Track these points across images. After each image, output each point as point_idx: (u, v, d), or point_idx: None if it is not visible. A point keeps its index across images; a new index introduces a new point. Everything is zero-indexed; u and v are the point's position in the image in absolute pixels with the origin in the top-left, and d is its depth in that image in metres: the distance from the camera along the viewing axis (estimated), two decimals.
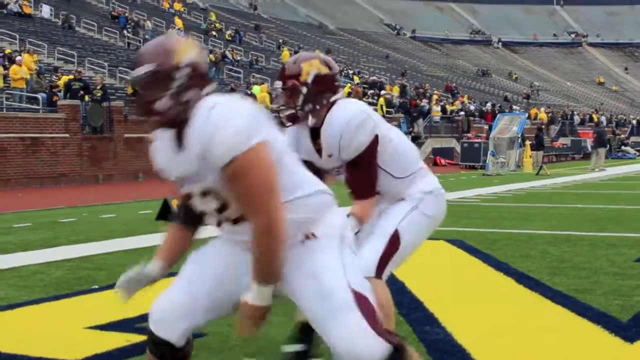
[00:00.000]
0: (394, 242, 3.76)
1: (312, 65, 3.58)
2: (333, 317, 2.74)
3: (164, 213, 13.03)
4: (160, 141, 2.94)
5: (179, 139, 2.81)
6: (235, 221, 2.87)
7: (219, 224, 2.97)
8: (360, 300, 2.78)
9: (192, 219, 3.07)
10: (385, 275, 3.79)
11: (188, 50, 2.79)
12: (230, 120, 2.65)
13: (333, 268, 2.82)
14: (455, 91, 57.30)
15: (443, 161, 34.83)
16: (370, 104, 39.27)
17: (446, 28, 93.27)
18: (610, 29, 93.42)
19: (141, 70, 2.73)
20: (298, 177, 2.91)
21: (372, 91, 43.83)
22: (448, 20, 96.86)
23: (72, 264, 8.22)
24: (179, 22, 49.45)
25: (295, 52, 52.64)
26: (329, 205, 2.98)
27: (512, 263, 7.77)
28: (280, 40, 58.10)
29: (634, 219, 12.21)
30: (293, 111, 3.59)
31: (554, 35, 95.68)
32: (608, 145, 35.51)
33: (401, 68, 64.89)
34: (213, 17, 58.50)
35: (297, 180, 2.89)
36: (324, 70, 3.60)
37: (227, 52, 44.58)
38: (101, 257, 8.68)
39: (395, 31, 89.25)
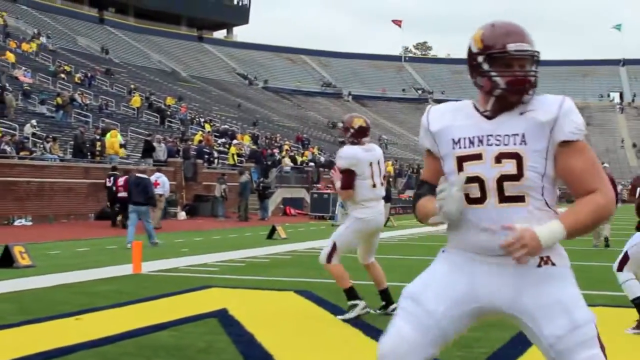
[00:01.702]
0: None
1: None
2: (580, 349, 2.88)
3: (5, 260, 12.54)
4: (456, 112, 3.14)
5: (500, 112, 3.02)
6: (506, 199, 2.94)
7: (479, 200, 2.98)
8: (598, 335, 2.93)
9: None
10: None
11: None
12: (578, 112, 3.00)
13: (580, 301, 2.95)
14: (306, 142, 58.01)
15: (293, 211, 35.07)
16: (221, 152, 39.32)
17: (298, 79, 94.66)
18: (455, 86, 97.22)
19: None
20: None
21: (223, 140, 43.87)
22: (300, 71, 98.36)
23: None
24: (10, 56, 47.64)
25: (147, 98, 52.13)
26: None
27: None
28: (132, 86, 57.33)
29: None
30: None
31: (402, 90, 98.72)
32: None
33: (253, 117, 65.23)
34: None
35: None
36: None
37: (76, 95, 43.59)
38: None
39: (248, 81, 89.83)
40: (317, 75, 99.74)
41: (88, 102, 44.22)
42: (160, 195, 23.01)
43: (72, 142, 31.31)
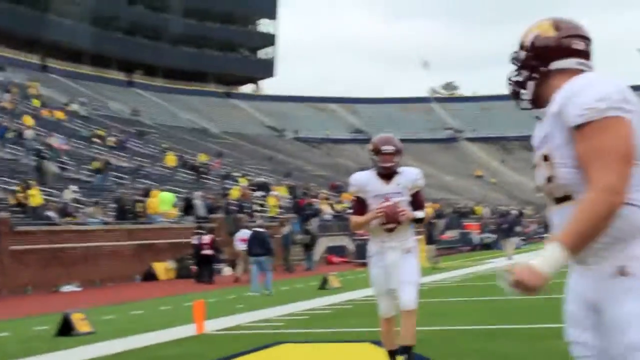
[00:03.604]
0: None
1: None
2: None
3: (65, 328, 12.27)
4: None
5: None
6: (559, 201, 2.77)
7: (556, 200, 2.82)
8: None
9: None
10: None
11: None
12: (595, 86, 2.67)
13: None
14: (341, 189, 57.71)
15: (336, 259, 34.69)
16: (260, 205, 39.14)
17: (327, 128, 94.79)
18: (484, 123, 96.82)
19: None
20: None
21: (260, 192, 43.72)
22: (329, 120, 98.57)
23: None
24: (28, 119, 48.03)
25: (180, 157, 52.27)
26: None
27: None
28: (164, 145, 57.58)
29: (543, 308, 12.16)
30: None
31: (431, 131, 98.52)
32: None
33: (285, 168, 65.17)
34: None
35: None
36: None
37: (111, 159, 43.77)
38: None
39: (278, 132, 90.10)
40: (346, 122, 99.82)
41: (124, 164, 44.41)
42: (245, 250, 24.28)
43: (112, 205, 31.30)
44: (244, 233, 24.43)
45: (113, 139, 53.38)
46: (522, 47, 3.00)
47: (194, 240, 26.02)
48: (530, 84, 2.96)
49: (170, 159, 48.41)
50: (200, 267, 25.86)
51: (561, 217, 2.74)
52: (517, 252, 32.35)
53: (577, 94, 2.67)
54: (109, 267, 26.16)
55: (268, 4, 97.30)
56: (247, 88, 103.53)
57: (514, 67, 3.03)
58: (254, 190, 43.34)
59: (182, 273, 28.04)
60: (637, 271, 2.63)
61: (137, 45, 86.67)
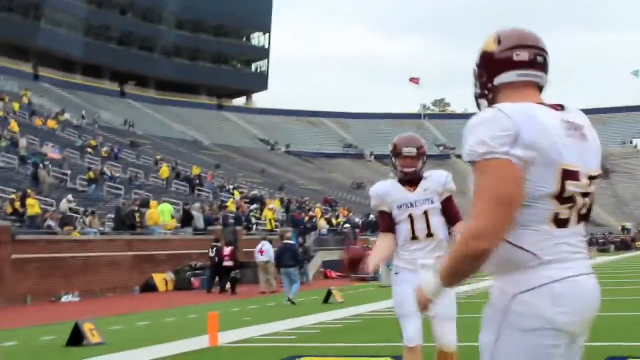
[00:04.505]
0: None
1: None
2: None
3: (75, 338, 12.14)
4: None
5: None
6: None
7: None
8: None
9: None
10: None
11: None
12: (481, 127, 2.61)
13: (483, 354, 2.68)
14: (334, 204, 57.69)
15: (333, 274, 34.58)
16: (257, 218, 39.03)
17: (319, 142, 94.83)
18: None
19: None
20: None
21: (255, 205, 43.60)
22: (321, 134, 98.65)
23: None
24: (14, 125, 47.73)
25: (173, 168, 52.12)
26: (523, 265, 2.64)
27: None
28: (158, 157, 57.44)
29: None
30: None
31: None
32: None
33: (278, 182, 65.10)
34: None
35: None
36: None
37: (105, 169, 43.59)
38: None
39: (270, 146, 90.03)
40: (338, 137, 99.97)
41: (117, 175, 44.23)
42: (267, 262, 24.98)
43: (110, 216, 31.16)
44: (264, 245, 25.11)
45: (106, 149, 53.22)
46: (475, 64, 2.96)
47: (211, 253, 26.36)
48: (484, 102, 2.89)
49: (165, 171, 48.29)
50: (221, 279, 26.22)
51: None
52: None
53: (468, 132, 2.64)
54: (109, 278, 26.00)
55: (262, 17, 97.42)
56: (240, 101, 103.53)
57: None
58: (248, 203, 43.24)
59: (180, 285, 27.90)
60: (494, 303, 2.66)
61: (130, 56, 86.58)
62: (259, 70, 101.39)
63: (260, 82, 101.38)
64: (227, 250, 25.79)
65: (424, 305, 2.87)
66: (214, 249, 26.18)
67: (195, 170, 55.30)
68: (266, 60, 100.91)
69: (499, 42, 2.84)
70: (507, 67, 2.80)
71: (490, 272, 2.68)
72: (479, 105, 2.90)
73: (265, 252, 24.84)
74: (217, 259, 25.87)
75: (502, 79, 2.81)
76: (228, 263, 25.55)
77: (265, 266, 25.33)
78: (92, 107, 74.51)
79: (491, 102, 2.82)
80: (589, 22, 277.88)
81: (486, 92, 2.86)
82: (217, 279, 26.39)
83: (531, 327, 2.57)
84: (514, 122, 2.57)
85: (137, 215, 29.15)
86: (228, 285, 25.75)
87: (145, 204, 30.92)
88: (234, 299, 23.48)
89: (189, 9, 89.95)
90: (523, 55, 2.79)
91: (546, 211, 2.59)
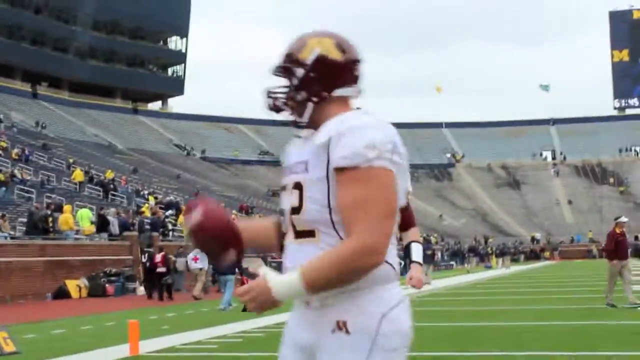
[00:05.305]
0: None
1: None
2: None
3: None
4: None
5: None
6: (298, 235, 2.57)
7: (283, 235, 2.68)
8: None
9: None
10: None
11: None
12: (367, 130, 2.48)
13: None
14: (250, 211, 57.45)
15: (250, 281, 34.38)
16: (173, 224, 38.54)
17: (235, 148, 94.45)
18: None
19: None
20: None
21: (170, 211, 43.08)
22: (237, 140, 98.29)
23: None
24: None
25: (87, 172, 51.12)
26: (386, 279, 2.55)
27: None
28: (70, 160, 56.28)
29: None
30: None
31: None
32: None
33: (193, 188, 64.53)
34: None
35: None
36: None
37: (15, 171, 42.48)
38: None
39: (185, 151, 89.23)
40: (254, 143, 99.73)
41: (28, 178, 43.13)
42: (201, 269, 25.24)
43: (21, 220, 30.34)
44: (198, 252, 24.64)
45: (17, 150, 51.87)
46: (296, 61, 2.64)
47: (144, 259, 26.37)
48: (310, 107, 2.63)
49: (79, 175, 47.31)
50: (153, 285, 26.02)
51: (297, 253, 2.57)
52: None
53: (346, 134, 2.46)
54: (20, 284, 25.24)
55: (179, 21, 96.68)
56: (155, 105, 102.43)
57: (279, 79, 2.69)
58: (163, 208, 42.66)
59: (94, 291, 27.30)
60: (354, 328, 2.49)
61: (43, 56, 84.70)
62: (175, 75, 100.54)
63: (177, 86, 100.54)
64: (159, 257, 25.65)
65: (266, 307, 2.48)
66: (146, 255, 26.24)
67: (109, 174, 54.38)
68: (183, 65, 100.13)
69: (342, 50, 2.64)
70: (351, 80, 2.66)
71: (338, 292, 2.48)
72: (294, 109, 2.66)
73: (200, 258, 24.73)
74: (148, 265, 25.99)
75: (343, 92, 2.65)
76: (161, 269, 25.36)
77: (199, 273, 25.51)
78: (3, 107, 72.60)
79: (318, 110, 2.63)
80: (502, 35, 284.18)
81: (315, 98, 2.62)
82: (142, 285, 26.39)
83: (396, 345, 2.49)
84: (392, 130, 2.52)
85: (50, 219, 28.43)
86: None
87: (59, 208, 30.18)
88: (169, 304, 23.26)
89: (105, 10, 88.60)
90: (359, 70, 2.68)
91: (396, 222, 2.53)
